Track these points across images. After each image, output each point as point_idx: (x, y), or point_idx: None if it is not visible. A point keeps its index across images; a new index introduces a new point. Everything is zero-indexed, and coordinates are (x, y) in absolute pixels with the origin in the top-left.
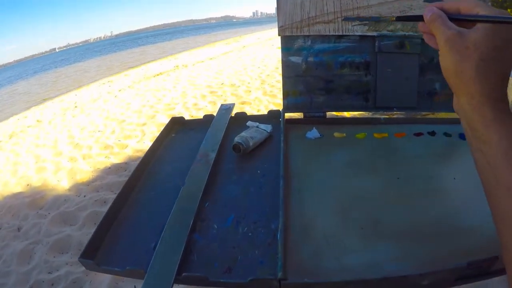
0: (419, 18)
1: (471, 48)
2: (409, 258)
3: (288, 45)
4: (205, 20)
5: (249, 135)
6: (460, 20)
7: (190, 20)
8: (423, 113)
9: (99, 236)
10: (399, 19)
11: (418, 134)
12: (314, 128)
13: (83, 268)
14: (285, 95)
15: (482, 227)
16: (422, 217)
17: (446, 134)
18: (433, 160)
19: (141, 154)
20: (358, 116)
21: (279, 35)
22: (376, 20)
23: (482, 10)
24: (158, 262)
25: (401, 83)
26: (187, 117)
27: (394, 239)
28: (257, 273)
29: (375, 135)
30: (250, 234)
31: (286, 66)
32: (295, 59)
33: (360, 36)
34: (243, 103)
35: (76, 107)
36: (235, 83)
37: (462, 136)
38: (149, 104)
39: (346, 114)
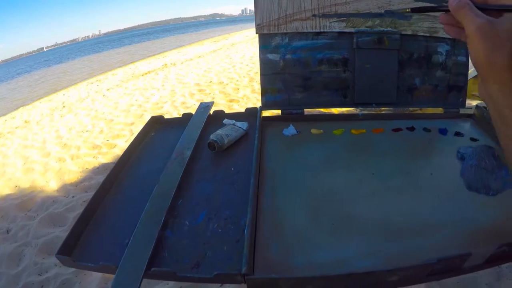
0: (439, 8)
1: (504, 36)
2: (380, 254)
3: (265, 43)
4: (194, 18)
5: (225, 133)
6: (487, 9)
7: (178, 18)
8: (411, 108)
9: (76, 234)
10: (414, 10)
11: (397, 130)
12: (291, 125)
13: (73, 269)
14: (263, 92)
15: (456, 223)
16: (395, 213)
17: (425, 130)
18: (410, 155)
19: None
20: (336, 113)
21: (256, 33)
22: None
23: (509, 0)
24: (129, 258)
25: (380, 79)
26: (175, 116)
27: (365, 235)
28: (224, 269)
29: (353, 131)
30: (220, 230)
31: (264, 63)
32: (273, 56)
33: (338, 32)
34: (231, 100)
35: (64, 107)
36: (223, 81)
37: (442, 131)
38: (137, 103)
39: (325, 111)
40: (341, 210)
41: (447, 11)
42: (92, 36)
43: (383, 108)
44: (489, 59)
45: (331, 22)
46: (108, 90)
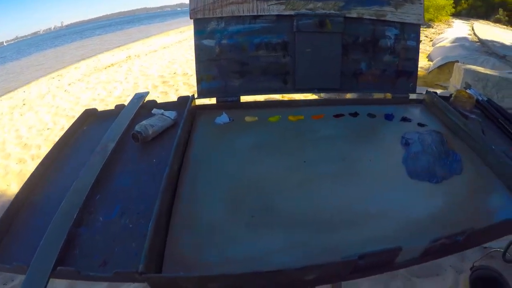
0: None
1: None
2: (302, 248)
3: (200, 28)
4: (160, 8)
5: (150, 123)
6: None
7: (144, 8)
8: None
9: None
10: None
11: (338, 116)
12: (224, 113)
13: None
14: (199, 80)
15: (393, 213)
16: (323, 204)
17: (370, 115)
18: (349, 142)
19: None
20: (275, 99)
21: (191, 18)
22: None
23: None
24: (39, 258)
25: (323, 63)
26: None
27: (287, 228)
28: (129, 266)
29: (290, 117)
30: (131, 225)
31: (199, 49)
32: (208, 42)
33: (277, 15)
34: (195, 92)
35: (24, 104)
36: (187, 72)
37: (387, 117)
38: (99, 97)
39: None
40: (263, 202)
41: None
42: (54, 28)
43: (322, 94)
44: None
45: (269, 4)
46: (69, 85)
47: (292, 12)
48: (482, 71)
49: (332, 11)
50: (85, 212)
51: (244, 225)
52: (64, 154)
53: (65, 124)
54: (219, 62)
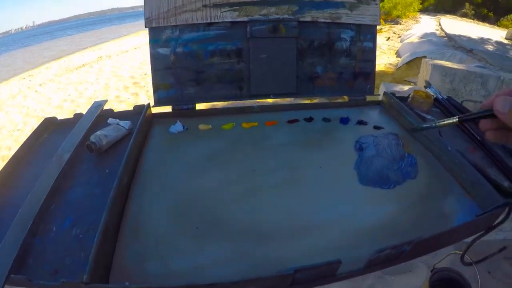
0: (486, 115)
1: None
2: (243, 260)
3: (155, 36)
4: (132, 8)
5: (104, 133)
6: None
7: (116, 8)
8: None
9: None
10: (463, 120)
11: (293, 121)
12: (178, 121)
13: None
14: (155, 88)
15: (342, 222)
16: (268, 214)
17: (325, 120)
18: (300, 148)
19: None
20: (230, 106)
21: (146, 27)
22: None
23: None
24: None
25: (278, 68)
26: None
27: (230, 239)
28: (79, 276)
29: (244, 124)
30: (81, 236)
31: (155, 58)
32: (163, 50)
33: (231, 22)
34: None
35: None
36: None
37: (343, 121)
38: (70, 98)
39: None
40: (208, 213)
41: (494, 116)
42: (26, 27)
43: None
44: None
45: (222, 11)
46: (40, 85)
47: (245, 19)
48: (450, 66)
49: (285, 16)
50: (40, 223)
51: (189, 236)
52: (23, 164)
53: (36, 125)
54: (175, 71)
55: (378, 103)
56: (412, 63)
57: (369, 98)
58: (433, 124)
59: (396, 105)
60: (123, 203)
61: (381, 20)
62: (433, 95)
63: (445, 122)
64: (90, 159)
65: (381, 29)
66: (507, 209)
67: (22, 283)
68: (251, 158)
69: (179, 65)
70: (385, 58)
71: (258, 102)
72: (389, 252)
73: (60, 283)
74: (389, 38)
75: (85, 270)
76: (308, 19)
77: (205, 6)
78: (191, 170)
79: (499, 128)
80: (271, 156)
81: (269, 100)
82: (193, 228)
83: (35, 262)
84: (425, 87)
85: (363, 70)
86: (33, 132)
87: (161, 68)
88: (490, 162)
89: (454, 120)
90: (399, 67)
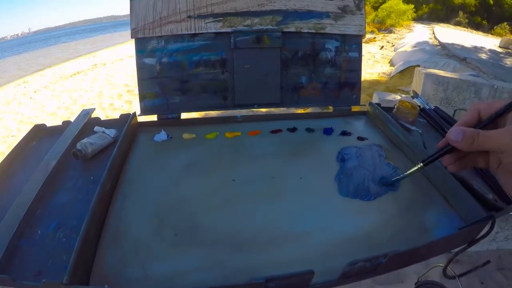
0: (446, 151)
1: None
2: (219, 267)
3: (141, 47)
4: (127, 16)
5: (90, 141)
6: (486, 125)
7: (111, 16)
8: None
9: None
10: (427, 163)
11: (276, 131)
12: (162, 130)
13: None
14: (142, 98)
15: (312, 235)
16: (246, 223)
17: (308, 130)
18: (282, 158)
19: None
20: (214, 116)
21: (132, 37)
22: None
23: (498, 104)
24: None
25: (262, 79)
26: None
27: (207, 247)
28: (59, 277)
29: (227, 134)
30: (64, 239)
31: (141, 68)
32: (149, 61)
33: (215, 33)
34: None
35: None
36: None
37: (326, 131)
38: (64, 105)
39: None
40: (188, 221)
41: (453, 150)
42: (21, 34)
43: (263, 110)
44: None
45: (206, 22)
46: (35, 92)
47: (229, 29)
48: (443, 74)
49: (269, 27)
50: (25, 226)
51: (168, 243)
52: (12, 170)
53: None
54: (160, 80)
55: (364, 113)
56: (406, 72)
57: (357, 108)
58: (402, 175)
59: (381, 116)
60: (105, 209)
61: (375, 29)
62: (419, 106)
63: (412, 170)
64: (76, 166)
65: (375, 38)
66: (490, 222)
67: (6, 282)
68: (232, 168)
69: (165, 74)
70: (379, 67)
71: (244, 111)
72: (363, 264)
73: (42, 283)
74: (382, 47)
75: (66, 272)
76: (292, 29)
77: (189, 17)
78: (172, 178)
79: (461, 157)
80: (252, 166)
81: (257, 110)
82: (172, 235)
83: (20, 263)
84: (412, 97)
85: (349, 80)
86: (22, 139)
87: (147, 78)
88: (474, 174)
89: (420, 165)
90: (392, 76)
